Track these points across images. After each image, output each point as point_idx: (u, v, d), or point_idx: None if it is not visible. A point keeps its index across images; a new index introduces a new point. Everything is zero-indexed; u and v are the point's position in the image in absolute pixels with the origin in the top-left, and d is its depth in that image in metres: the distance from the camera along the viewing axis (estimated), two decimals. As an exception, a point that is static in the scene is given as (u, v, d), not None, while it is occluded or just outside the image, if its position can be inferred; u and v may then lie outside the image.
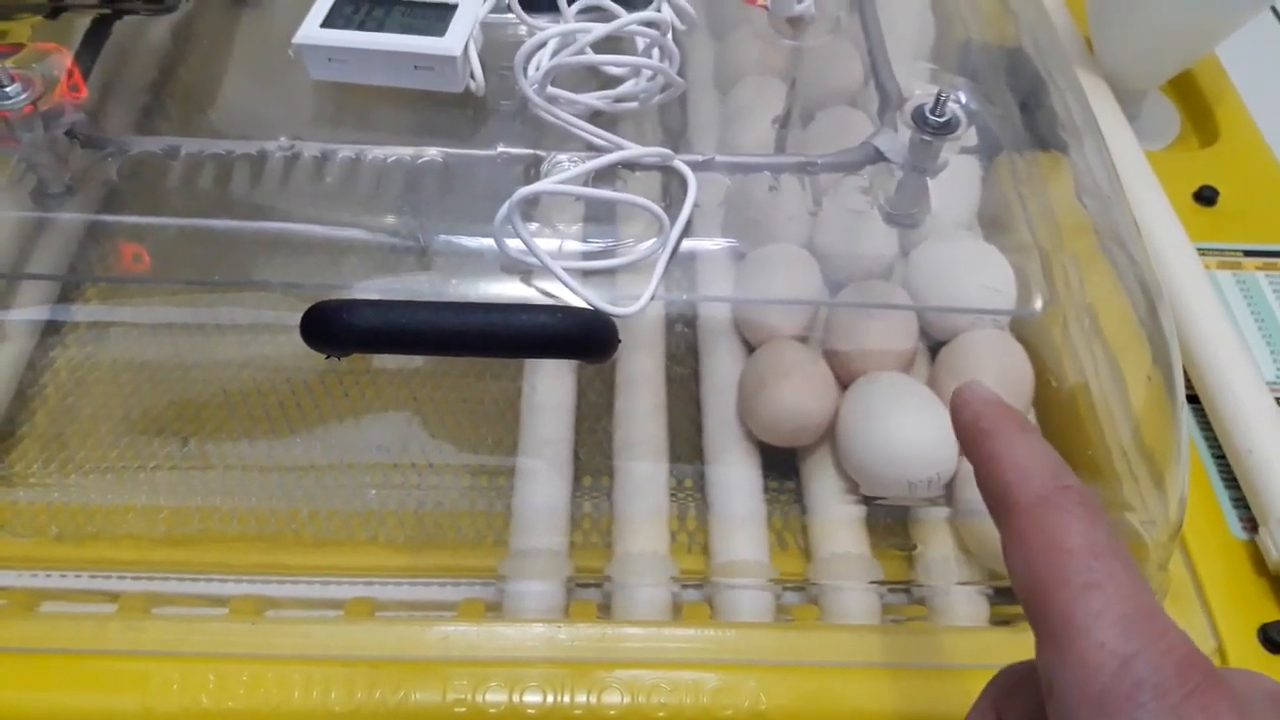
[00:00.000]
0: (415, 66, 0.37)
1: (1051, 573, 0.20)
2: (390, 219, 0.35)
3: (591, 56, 0.35)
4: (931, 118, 0.34)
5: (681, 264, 0.35)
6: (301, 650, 0.31)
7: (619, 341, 0.29)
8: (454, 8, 0.38)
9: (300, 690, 0.30)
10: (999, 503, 0.22)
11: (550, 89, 0.36)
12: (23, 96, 0.34)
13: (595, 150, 0.35)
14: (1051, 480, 0.22)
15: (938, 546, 0.35)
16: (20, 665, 0.31)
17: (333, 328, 0.28)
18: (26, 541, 0.36)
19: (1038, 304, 0.36)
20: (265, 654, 0.31)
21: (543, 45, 0.36)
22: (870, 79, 0.40)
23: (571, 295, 0.31)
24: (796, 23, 0.42)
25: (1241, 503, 0.37)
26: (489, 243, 0.32)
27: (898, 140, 0.35)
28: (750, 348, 0.38)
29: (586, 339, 0.29)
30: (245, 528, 0.36)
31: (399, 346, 0.29)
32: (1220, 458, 0.38)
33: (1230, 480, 0.37)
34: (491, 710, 0.30)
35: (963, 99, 0.35)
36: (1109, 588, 0.19)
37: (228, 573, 0.35)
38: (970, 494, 0.34)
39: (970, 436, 0.23)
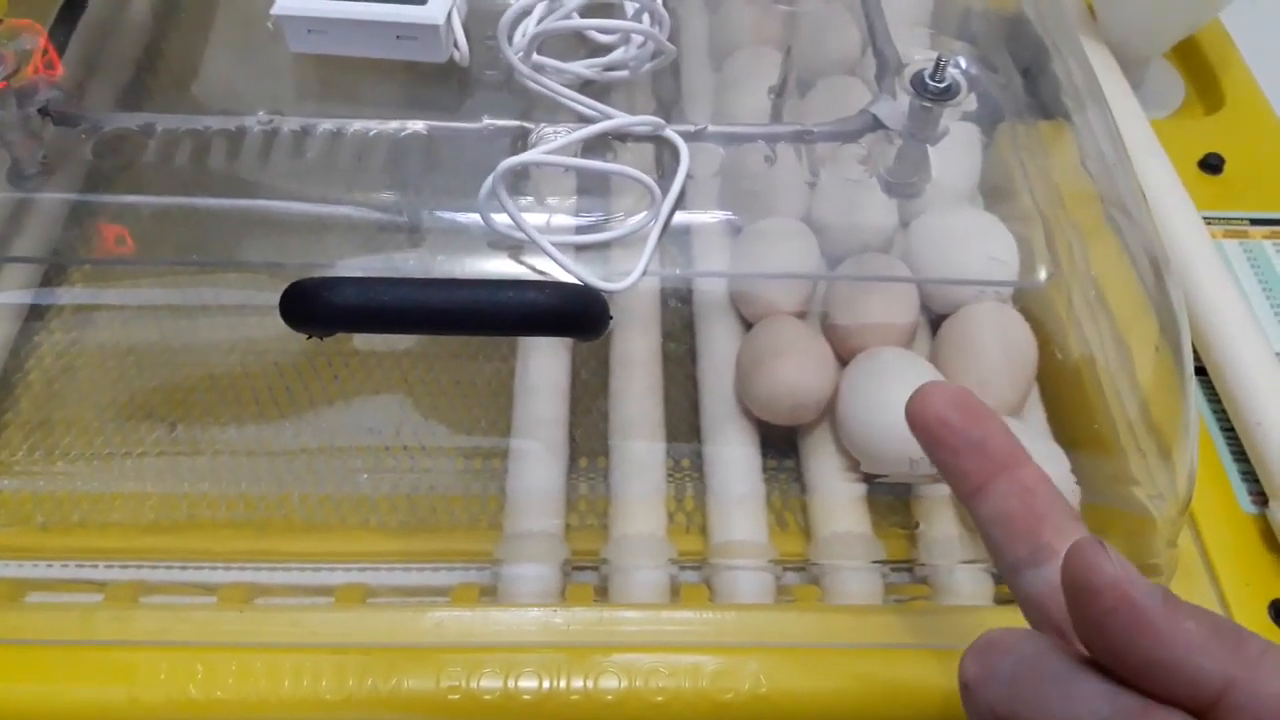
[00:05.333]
0: (397, 36, 0.36)
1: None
2: (374, 194, 0.34)
3: (578, 21, 0.34)
4: (931, 83, 0.33)
5: (676, 238, 0.34)
6: (291, 638, 0.30)
7: (611, 318, 0.29)
8: (436, -25, 0.37)
9: (290, 679, 0.29)
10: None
11: (537, 57, 0.35)
12: (-5, 73, 0.33)
13: (584, 121, 0.34)
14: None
15: (940, 525, 0.34)
16: (5, 656, 0.30)
17: (313, 306, 0.27)
18: (11, 531, 0.35)
19: (1041, 275, 0.35)
20: (254, 642, 0.30)
21: (528, 11, 0.35)
22: (868, 47, 0.39)
23: (561, 270, 0.30)
24: (792, -12, 0.41)
25: (1251, 476, 0.36)
26: (475, 218, 0.31)
27: (896, 107, 0.34)
28: (747, 324, 0.37)
29: (577, 315, 0.28)
30: (234, 513, 0.36)
31: (381, 325, 0.28)
32: (1229, 430, 0.37)
33: (1239, 454, 0.37)
34: (486, 696, 0.29)
35: (963, 64, 0.34)
36: None
37: (216, 560, 0.34)
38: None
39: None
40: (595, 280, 0.29)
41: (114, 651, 0.30)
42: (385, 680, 0.30)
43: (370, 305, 0.27)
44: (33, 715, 0.30)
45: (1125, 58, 0.49)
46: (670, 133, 0.33)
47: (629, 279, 0.30)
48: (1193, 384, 0.31)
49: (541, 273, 0.31)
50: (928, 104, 0.33)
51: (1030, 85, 0.38)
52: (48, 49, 0.36)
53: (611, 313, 0.29)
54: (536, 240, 0.30)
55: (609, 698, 0.29)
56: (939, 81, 0.33)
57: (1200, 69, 0.51)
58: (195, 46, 0.41)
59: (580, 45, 0.37)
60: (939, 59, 0.33)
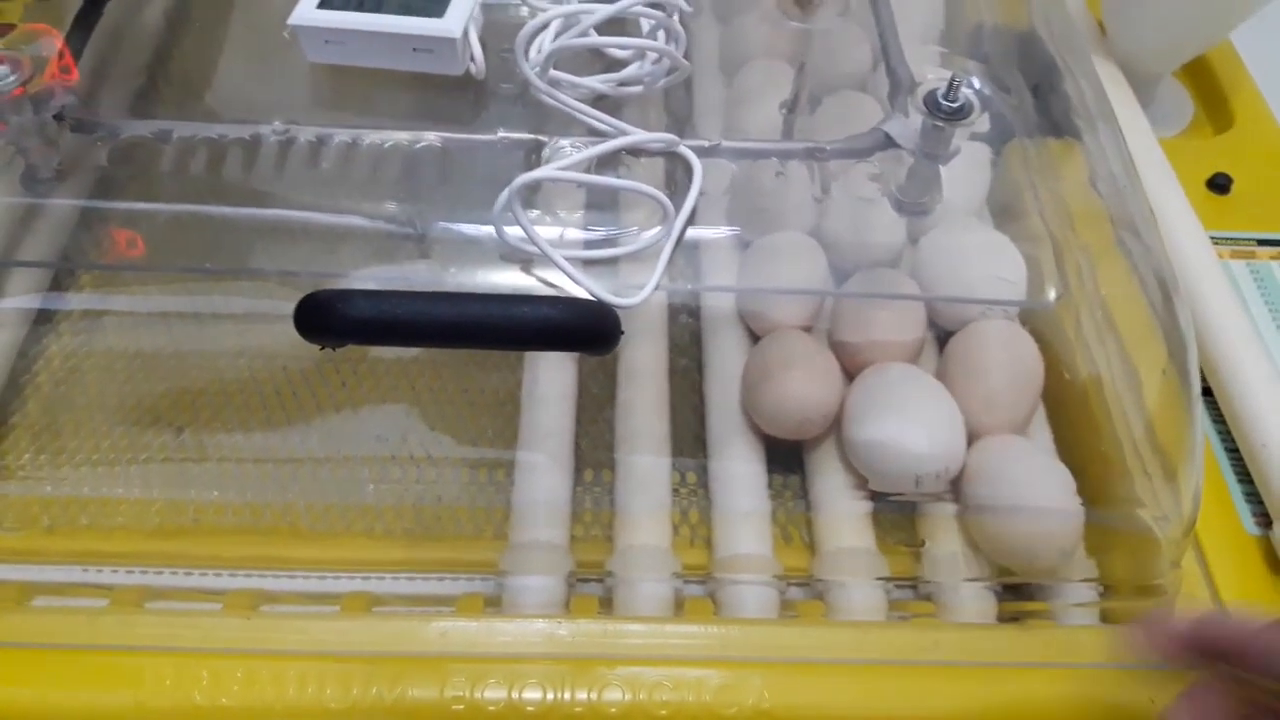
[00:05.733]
0: (414, 49, 0.36)
1: None
2: (387, 205, 0.34)
3: (595, 39, 0.34)
4: (944, 103, 0.33)
5: (685, 252, 0.34)
6: (297, 646, 0.31)
7: (622, 333, 0.29)
8: (453, -12, 0.37)
9: (295, 687, 0.30)
10: None
11: (552, 72, 0.35)
12: (11, 79, 0.33)
13: (598, 135, 0.34)
14: None
15: (945, 542, 0.34)
16: (12, 660, 0.30)
17: (327, 318, 0.27)
18: (18, 534, 0.35)
19: (1050, 295, 0.35)
20: (260, 649, 0.30)
21: (545, 27, 0.35)
22: (880, 63, 0.39)
23: (573, 285, 0.30)
24: (805, 4, 0.41)
25: (1255, 498, 0.36)
26: (488, 230, 0.31)
27: (909, 126, 0.34)
28: (755, 338, 0.37)
29: (589, 331, 0.28)
30: (240, 519, 0.36)
31: (395, 338, 0.28)
32: (1233, 451, 0.37)
33: (1243, 475, 0.37)
34: (490, 707, 0.29)
35: (976, 84, 0.34)
36: None
37: (221, 566, 0.34)
38: (977, 490, 0.33)
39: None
40: (608, 296, 0.29)
41: (120, 656, 0.30)
42: (390, 689, 0.30)
43: (384, 318, 0.27)
44: (39, 719, 0.30)
45: (1135, 75, 0.49)
46: (684, 149, 0.33)
47: (641, 295, 0.30)
48: (1199, 407, 0.31)
49: (553, 286, 0.31)
50: (940, 124, 0.33)
51: (1041, 103, 0.38)
52: (64, 54, 0.36)
53: (623, 328, 0.29)
54: (551, 256, 0.30)
55: (613, 710, 0.30)
56: (952, 101, 0.33)
57: (1210, 88, 0.52)
58: (210, 54, 0.42)
59: (595, 59, 0.37)
60: (952, 79, 0.33)
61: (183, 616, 0.31)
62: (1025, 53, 0.40)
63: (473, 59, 0.37)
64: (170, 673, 0.30)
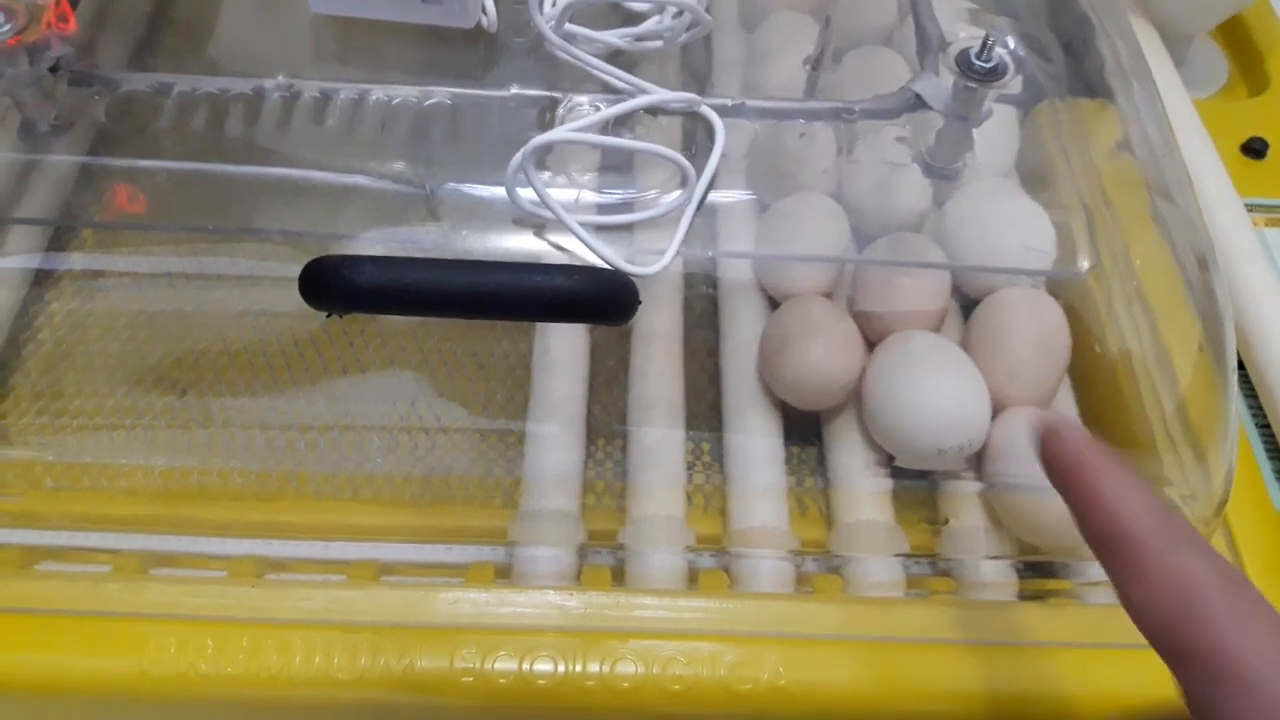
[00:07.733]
0: (423, -1, 0.35)
1: (1193, 609, 0.20)
2: (395, 164, 0.33)
3: (614, -8, 0.32)
4: (977, 63, 0.32)
5: (703, 216, 0.33)
6: (303, 615, 0.30)
7: (639, 303, 0.28)
8: (465, -64, 0.35)
9: (302, 656, 0.29)
10: (1108, 541, 0.22)
11: (568, 25, 0.33)
12: (5, 28, 0.32)
13: (614, 92, 0.33)
14: (1163, 518, 0.22)
15: (966, 517, 0.33)
16: (14, 626, 0.30)
17: (333, 285, 0.26)
18: (21, 498, 0.35)
19: (1082, 265, 0.34)
20: (265, 618, 0.30)
21: (560, -22, 0.34)
22: (906, 15, 0.37)
23: (588, 251, 0.29)
24: (829, -46, 0.40)
25: (1285, 475, 0.35)
26: (500, 192, 0.30)
27: (939, 86, 0.33)
28: (774, 304, 0.36)
29: (605, 302, 0.27)
30: (245, 482, 0.35)
31: (403, 307, 0.27)
32: (1264, 427, 0.36)
33: (1273, 451, 0.36)
34: (500, 679, 0.29)
35: (1010, 44, 0.33)
36: (1255, 615, 0.20)
37: (227, 532, 0.34)
38: (1002, 467, 0.32)
39: (1067, 472, 0.23)
40: (624, 264, 0.28)
41: (124, 623, 0.30)
42: (398, 660, 0.29)
43: (392, 286, 0.26)
44: (42, 685, 0.30)
45: (1168, 34, 0.47)
46: (706, 110, 0.32)
47: (659, 263, 0.29)
48: (1234, 386, 0.30)
49: (567, 252, 0.30)
50: (973, 84, 0.32)
51: (1074, 63, 0.37)
52: (60, 2, 0.34)
53: (640, 298, 0.28)
54: (566, 221, 0.29)
55: (625, 684, 0.29)
56: (986, 61, 0.31)
57: (1245, 49, 0.50)
58: (212, 4, 0.40)
59: (613, 12, 0.36)
60: (986, 38, 0.31)
61: (187, 584, 0.31)
62: (1058, 8, 0.39)
63: (484, 11, 0.35)
64: (174, 640, 0.29)
